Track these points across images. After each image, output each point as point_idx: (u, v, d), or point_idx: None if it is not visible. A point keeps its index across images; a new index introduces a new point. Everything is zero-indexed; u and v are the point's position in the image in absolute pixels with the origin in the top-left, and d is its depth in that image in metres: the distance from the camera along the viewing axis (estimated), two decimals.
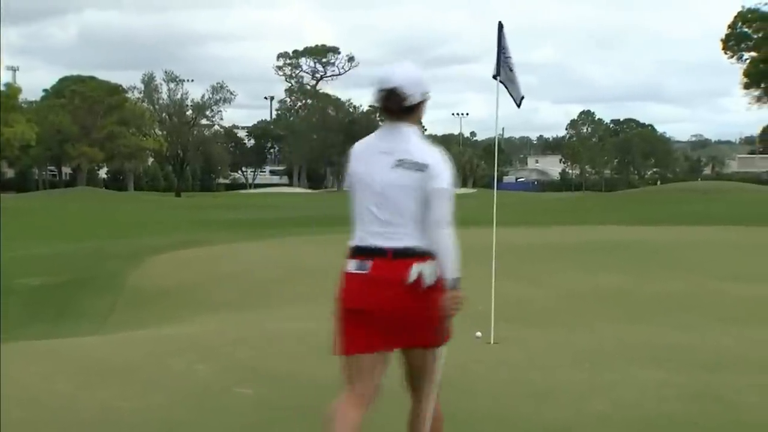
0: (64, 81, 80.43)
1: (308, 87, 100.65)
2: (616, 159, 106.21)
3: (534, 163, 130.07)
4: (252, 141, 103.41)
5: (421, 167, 3.31)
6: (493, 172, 8.62)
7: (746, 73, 55.34)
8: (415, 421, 3.48)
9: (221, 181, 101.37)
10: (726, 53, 55.67)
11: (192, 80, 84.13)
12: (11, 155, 66.25)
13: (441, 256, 3.29)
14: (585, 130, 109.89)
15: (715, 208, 30.14)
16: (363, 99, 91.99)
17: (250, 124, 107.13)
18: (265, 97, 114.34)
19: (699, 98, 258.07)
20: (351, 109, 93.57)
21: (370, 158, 3.42)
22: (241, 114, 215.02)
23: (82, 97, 73.90)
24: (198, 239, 20.43)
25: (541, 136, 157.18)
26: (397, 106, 3.37)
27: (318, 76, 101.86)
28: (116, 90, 77.51)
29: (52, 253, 19.47)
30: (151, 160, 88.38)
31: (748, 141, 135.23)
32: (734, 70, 69.12)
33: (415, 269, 3.27)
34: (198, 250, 17.40)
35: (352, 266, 3.37)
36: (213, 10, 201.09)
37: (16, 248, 19.58)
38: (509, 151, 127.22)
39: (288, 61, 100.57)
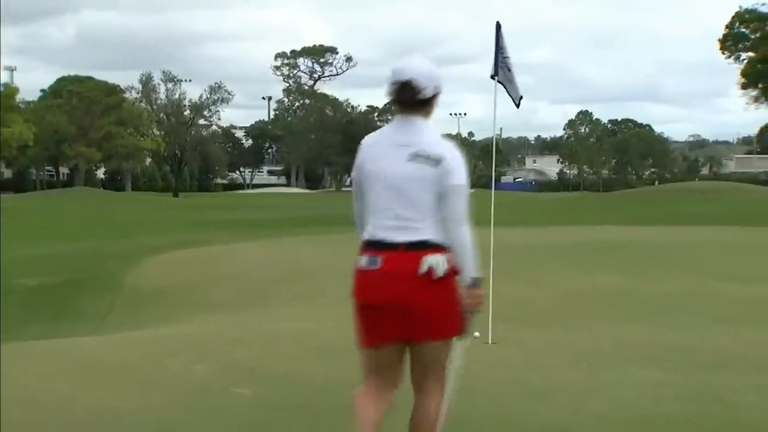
0: (62, 81, 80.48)
1: (306, 87, 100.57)
2: (614, 159, 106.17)
3: (532, 164, 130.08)
4: (250, 141, 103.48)
5: (436, 161, 3.30)
6: (491, 172, 8.59)
7: (744, 74, 55.28)
8: (416, 415, 3.47)
9: (219, 181, 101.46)
10: (723, 53, 55.60)
11: (190, 80, 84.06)
12: (9, 155, 66.23)
13: (461, 255, 3.31)
14: (583, 131, 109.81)
15: (713, 208, 30.16)
16: (361, 99, 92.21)
17: (247, 125, 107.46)
18: (263, 98, 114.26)
19: (696, 98, 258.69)
20: (349, 110, 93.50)
21: (383, 151, 3.41)
22: (239, 114, 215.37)
23: (79, 97, 73.88)
24: (196, 239, 20.42)
25: (538, 136, 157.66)
26: (411, 99, 3.37)
27: (316, 76, 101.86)
28: (114, 90, 77.49)
29: (50, 253, 19.43)
30: (148, 160, 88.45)
31: (746, 141, 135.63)
32: (732, 70, 69.13)
33: (426, 261, 3.27)
34: (196, 250, 17.38)
35: (363, 262, 3.38)
36: (210, 11, 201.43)
37: (13, 248, 19.54)
38: (507, 151, 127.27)
39: (286, 61, 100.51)
